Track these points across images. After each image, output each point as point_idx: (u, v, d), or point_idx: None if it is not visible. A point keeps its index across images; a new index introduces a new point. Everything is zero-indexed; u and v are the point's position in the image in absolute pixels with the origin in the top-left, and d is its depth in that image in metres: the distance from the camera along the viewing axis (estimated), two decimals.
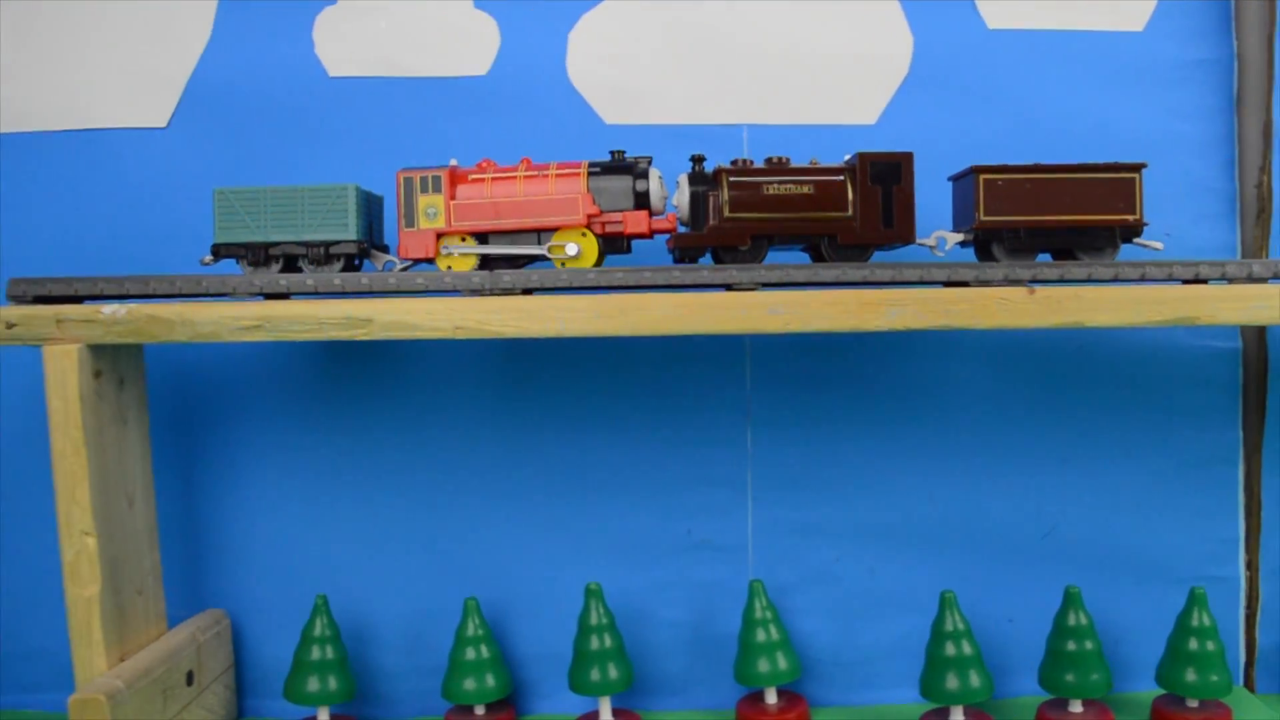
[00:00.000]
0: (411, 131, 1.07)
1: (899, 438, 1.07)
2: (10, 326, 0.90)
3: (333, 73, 1.07)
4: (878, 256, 0.95)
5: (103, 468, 0.92)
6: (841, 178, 0.91)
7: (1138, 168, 0.91)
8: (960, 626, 0.98)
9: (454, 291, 0.89)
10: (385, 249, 0.97)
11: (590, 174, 0.91)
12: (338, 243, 0.92)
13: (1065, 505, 1.07)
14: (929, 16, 1.06)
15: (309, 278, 0.89)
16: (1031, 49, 1.06)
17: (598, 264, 0.92)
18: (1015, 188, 0.91)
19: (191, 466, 1.08)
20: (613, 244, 0.93)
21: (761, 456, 1.07)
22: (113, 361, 0.94)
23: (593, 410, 1.08)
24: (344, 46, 1.07)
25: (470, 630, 1.02)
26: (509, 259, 0.92)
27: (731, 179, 0.91)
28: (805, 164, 0.92)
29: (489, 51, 1.06)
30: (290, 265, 0.94)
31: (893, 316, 0.86)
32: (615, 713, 1.02)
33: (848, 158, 0.92)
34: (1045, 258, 0.95)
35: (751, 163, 0.92)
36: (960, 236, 0.95)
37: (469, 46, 1.06)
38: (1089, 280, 0.90)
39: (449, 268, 0.92)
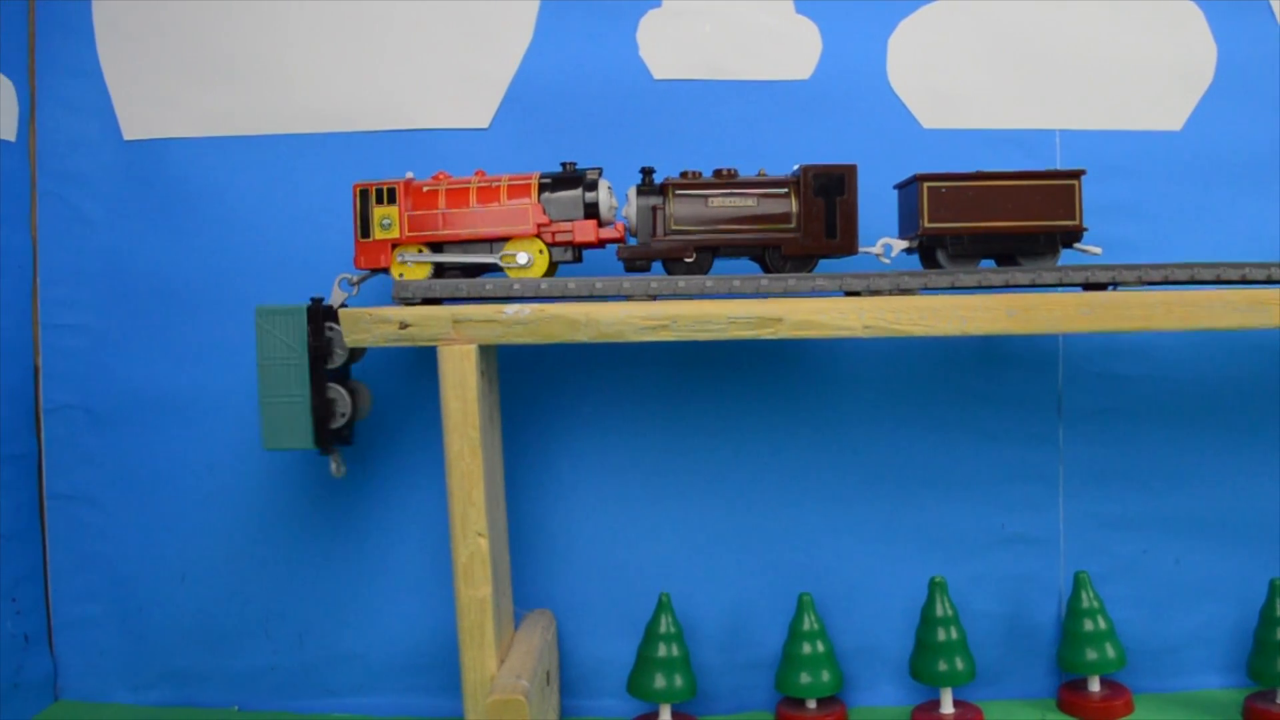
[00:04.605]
0: (732, 134, 1.08)
1: (1203, 433, 1.10)
2: (404, 327, 0.89)
3: (657, 75, 1.08)
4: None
5: (487, 468, 0.92)
6: (785, 190, 0.92)
7: (1077, 174, 0.93)
8: None
9: (829, 291, 0.91)
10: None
11: (541, 185, 0.94)
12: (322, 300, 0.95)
13: None
14: (1231, 24, 1.09)
15: (707, 279, 0.90)
16: None
17: (548, 274, 0.94)
18: (959, 195, 0.93)
19: (513, 466, 1.08)
20: (563, 254, 0.94)
21: (1072, 452, 1.10)
22: (487, 363, 0.94)
23: (906, 410, 1.10)
24: (668, 50, 1.08)
25: (806, 625, 1.04)
26: (463, 267, 0.94)
27: (677, 192, 0.93)
28: (753, 175, 0.94)
29: (811, 56, 1.08)
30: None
31: None
32: (955, 703, 1.04)
33: (795, 169, 0.94)
34: (988, 263, 0.96)
35: (700, 175, 0.94)
36: (905, 244, 0.97)
37: (791, 51, 1.08)
38: None
39: (400, 275, 0.93)
